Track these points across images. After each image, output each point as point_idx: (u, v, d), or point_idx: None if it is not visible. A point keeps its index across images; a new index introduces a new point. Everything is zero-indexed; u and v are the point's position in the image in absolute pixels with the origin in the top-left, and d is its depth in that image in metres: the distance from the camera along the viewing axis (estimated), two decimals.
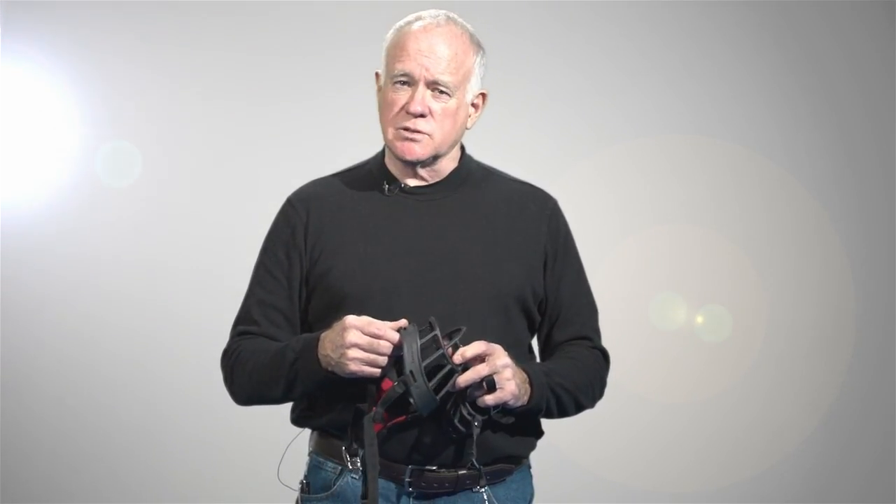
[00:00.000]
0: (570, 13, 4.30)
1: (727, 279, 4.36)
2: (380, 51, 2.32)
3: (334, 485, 2.28)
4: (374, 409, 2.14)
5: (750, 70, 4.37)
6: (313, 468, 2.32)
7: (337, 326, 2.17)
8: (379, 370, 2.15)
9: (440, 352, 2.12)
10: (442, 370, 2.12)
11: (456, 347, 2.15)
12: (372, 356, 2.14)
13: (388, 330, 2.14)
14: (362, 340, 2.14)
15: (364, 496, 2.17)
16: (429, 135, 2.27)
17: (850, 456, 4.39)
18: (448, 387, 2.12)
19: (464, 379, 2.13)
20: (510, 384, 2.16)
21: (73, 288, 4.06)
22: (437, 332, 2.13)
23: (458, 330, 2.16)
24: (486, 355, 2.15)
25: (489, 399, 2.15)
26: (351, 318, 2.15)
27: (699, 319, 4.35)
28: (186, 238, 4.10)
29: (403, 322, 2.15)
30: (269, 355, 2.27)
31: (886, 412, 4.39)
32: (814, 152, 4.39)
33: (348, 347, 2.14)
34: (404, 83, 2.26)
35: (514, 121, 4.17)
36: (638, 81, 4.32)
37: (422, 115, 2.25)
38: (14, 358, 4.04)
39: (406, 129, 2.26)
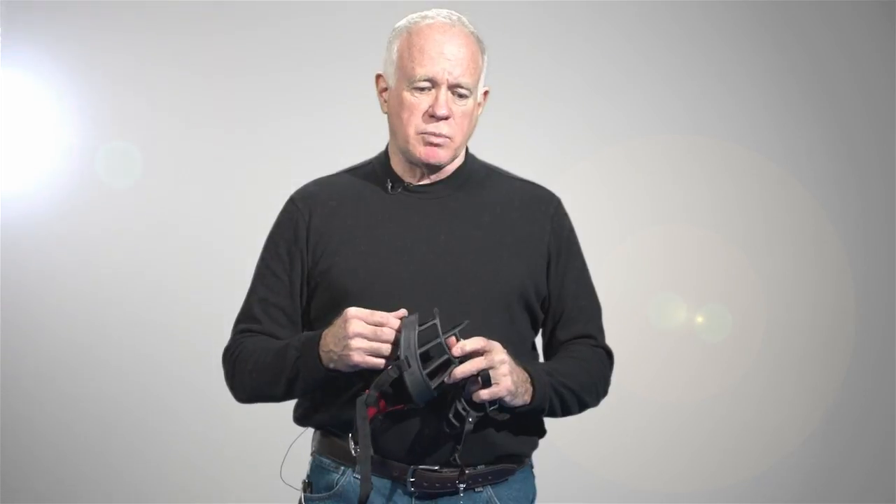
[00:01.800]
0: (570, 13, 4.30)
1: (727, 279, 4.36)
2: (382, 51, 2.31)
3: (337, 484, 2.28)
4: (367, 391, 2.14)
5: (750, 70, 4.37)
6: (316, 468, 2.33)
7: (338, 320, 2.17)
8: (383, 361, 2.15)
9: (437, 340, 2.12)
10: (439, 360, 2.12)
11: (457, 339, 2.14)
12: (376, 345, 2.14)
13: (391, 318, 2.15)
14: (366, 329, 2.14)
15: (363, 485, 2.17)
16: (450, 138, 2.27)
17: (850, 456, 4.39)
18: (444, 377, 2.12)
19: (460, 371, 2.13)
20: (506, 380, 2.16)
21: (74, 288, 4.06)
22: (437, 321, 2.12)
23: (461, 322, 2.16)
24: (485, 351, 2.15)
25: (484, 394, 2.15)
26: (353, 309, 2.15)
27: (699, 319, 4.35)
28: (187, 238, 4.09)
29: (403, 311, 2.16)
30: (271, 354, 2.27)
31: (886, 412, 4.39)
32: (814, 152, 4.39)
33: (351, 338, 2.14)
34: (425, 87, 2.25)
35: (514, 121, 4.17)
36: (637, 81, 4.32)
37: (446, 118, 2.25)
38: (14, 358, 4.04)
39: (430, 133, 2.26)
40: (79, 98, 4.06)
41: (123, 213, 4.07)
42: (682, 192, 4.35)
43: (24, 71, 4.04)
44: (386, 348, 2.14)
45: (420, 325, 2.12)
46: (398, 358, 2.11)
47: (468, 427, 2.17)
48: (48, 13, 4.03)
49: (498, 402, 2.18)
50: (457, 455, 2.21)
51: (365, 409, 2.14)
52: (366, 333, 2.14)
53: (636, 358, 4.21)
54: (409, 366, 2.09)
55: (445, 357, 2.13)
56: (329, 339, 2.18)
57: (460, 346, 2.14)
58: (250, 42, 4.13)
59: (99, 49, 4.06)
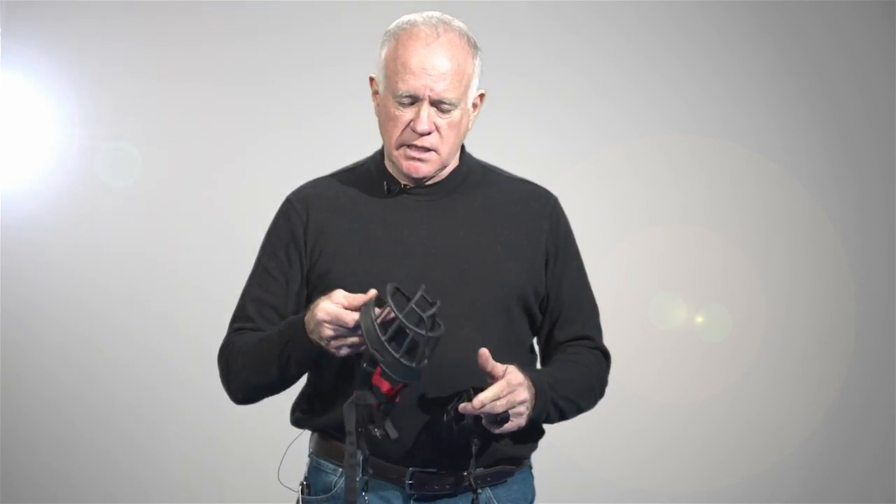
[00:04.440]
0: (570, 13, 4.29)
1: (727, 279, 4.35)
2: (374, 53, 2.30)
3: (335, 486, 2.28)
4: (355, 392, 2.10)
5: (750, 70, 4.37)
6: (314, 470, 2.32)
7: (313, 305, 2.15)
8: (356, 340, 2.10)
9: (396, 323, 2.03)
10: (409, 337, 2.04)
11: (428, 305, 2.06)
12: (343, 332, 2.10)
13: (343, 312, 2.08)
14: (328, 316, 2.10)
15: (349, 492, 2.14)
16: (435, 150, 2.26)
17: (850, 456, 4.39)
18: (425, 349, 2.05)
19: (479, 402, 2.11)
20: (522, 419, 2.17)
21: (73, 288, 4.06)
22: (390, 299, 2.04)
23: (418, 291, 2.07)
24: (507, 393, 2.13)
25: (495, 429, 2.16)
26: (324, 298, 2.12)
27: (699, 319, 4.35)
28: (186, 238, 4.09)
29: (373, 292, 2.09)
30: (261, 340, 2.24)
31: (886, 412, 4.39)
32: (814, 152, 4.39)
33: (319, 324, 2.11)
34: (407, 101, 2.24)
35: (514, 121, 4.17)
36: (638, 81, 4.32)
37: (428, 133, 2.24)
38: (14, 358, 4.04)
39: (413, 146, 2.25)
40: (78, 98, 4.06)
41: (123, 213, 4.07)
42: (681, 192, 4.34)
43: (24, 71, 4.04)
44: (353, 335, 2.09)
45: (379, 306, 2.05)
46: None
47: (476, 446, 2.18)
48: (48, 13, 4.03)
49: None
50: (472, 478, 2.21)
51: (353, 413, 2.10)
52: (328, 320, 2.10)
53: (636, 358, 4.21)
54: (382, 357, 2.04)
55: (412, 334, 2.04)
56: (310, 322, 2.15)
57: (479, 401, 2.11)
58: (249, 43, 4.13)
59: (98, 49, 4.06)
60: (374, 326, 2.04)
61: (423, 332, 2.05)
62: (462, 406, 2.12)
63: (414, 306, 2.05)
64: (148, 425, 4.10)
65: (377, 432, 2.12)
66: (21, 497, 4.06)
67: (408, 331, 2.03)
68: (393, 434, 2.11)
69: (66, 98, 4.06)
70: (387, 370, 2.05)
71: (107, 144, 4.08)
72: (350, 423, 2.11)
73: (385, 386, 2.09)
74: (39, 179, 4.05)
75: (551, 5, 4.28)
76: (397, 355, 2.03)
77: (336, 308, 2.10)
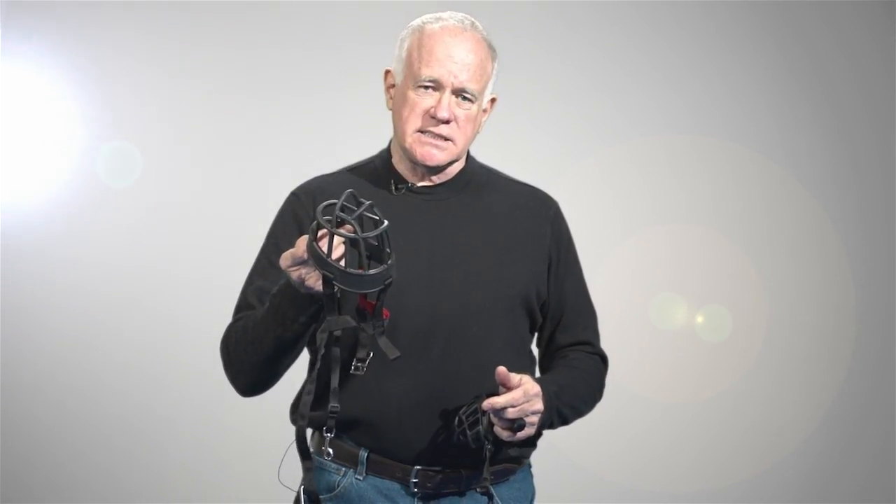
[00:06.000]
0: (571, 13, 4.30)
1: (727, 279, 4.36)
2: (393, 49, 2.31)
3: (338, 486, 2.28)
4: (325, 319, 2.06)
5: (750, 70, 4.37)
6: (316, 469, 2.30)
7: None
8: (315, 271, 2.05)
9: (329, 236, 1.99)
10: (347, 239, 2.00)
11: (357, 207, 2.01)
12: (303, 268, 2.06)
13: (296, 249, 2.05)
14: (286, 261, 2.07)
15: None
16: (452, 141, 2.26)
17: (850, 456, 4.39)
18: (386, 249, 2.01)
19: (497, 430, 2.14)
20: (532, 429, 2.18)
21: (73, 288, 4.05)
22: (318, 215, 1.99)
23: (343, 196, 2.03)
24: (524, 402, 2.15)
25: (506, 435, 2.16)
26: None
27: (699, 319, 4.35)
28: (186, 238, 4.09)
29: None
30: (257, 313, 2.20)
31: (886, 412, 4.39)
32: (814, 152, 4.39)
33: (286, 270, 2.07)
34: (429, 87, 2.25)
35: (514, 121, 4.17)
36: (639, 81, 4.32)
37: (447, 121, 2.25)
38: (14, 358, 4.04)
39: (429, 133, 2.25)
40: (79, 98, 4.06)
41: (123, 213, 4.07)
42: (682, 192, 4.35)
43: (25, 71, 4.04)
44: (308, 267, 2.06)
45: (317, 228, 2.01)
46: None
47: (489, 451, 2.18)
48: (48, 13, 4.03)
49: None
50: (488, 484, 2.22)
51: (324, 337, 2.04)
52: (289, 263, 2.06)
53: (637, 358, 4.22)
54: (330, 272, 1.99)
55: (348, 241, 1.99)
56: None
57: (491, 403, 2.13)
58: (251, 40, 4.13)
59: (99, 49, 4.06)
60: (314, 246, 2.00)
61: (355, 235, 1.99)
62: (487, 402, 2.12)
63: (341, 213, 1.99)
64: (148, 425, 4.09)
65: (360, 366, 2.11)
66: (21, 497, 4.05)
67: (337, 237, 1.98)
68: (392, 353, 2.08)
69: (66, 98, 4.06)
70: (339, 284, 2.00)
71: (107, 144, 4.08)
72: (321, 349, 2.06)
73: (367, 306, 2.07)
74: (40, 179, 4.05)
75: (552, 5, 4.28)
76: (337, 265, 1.98)
77: (291, 249, 2.07)
